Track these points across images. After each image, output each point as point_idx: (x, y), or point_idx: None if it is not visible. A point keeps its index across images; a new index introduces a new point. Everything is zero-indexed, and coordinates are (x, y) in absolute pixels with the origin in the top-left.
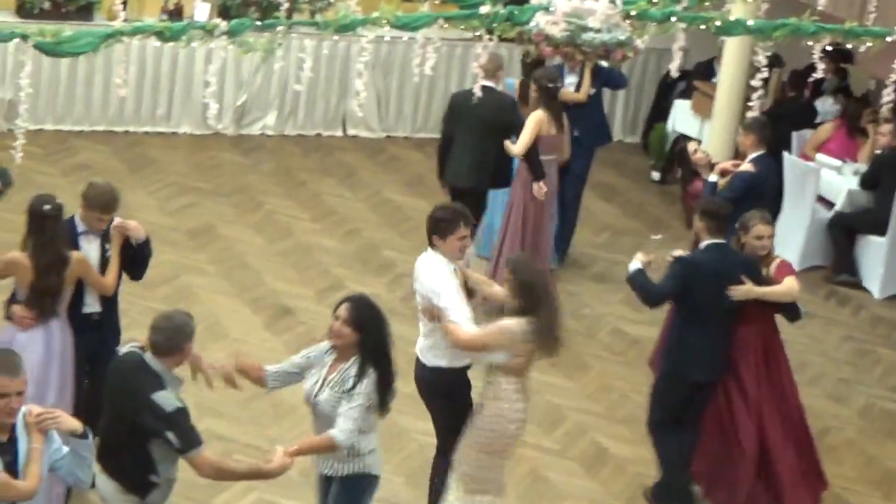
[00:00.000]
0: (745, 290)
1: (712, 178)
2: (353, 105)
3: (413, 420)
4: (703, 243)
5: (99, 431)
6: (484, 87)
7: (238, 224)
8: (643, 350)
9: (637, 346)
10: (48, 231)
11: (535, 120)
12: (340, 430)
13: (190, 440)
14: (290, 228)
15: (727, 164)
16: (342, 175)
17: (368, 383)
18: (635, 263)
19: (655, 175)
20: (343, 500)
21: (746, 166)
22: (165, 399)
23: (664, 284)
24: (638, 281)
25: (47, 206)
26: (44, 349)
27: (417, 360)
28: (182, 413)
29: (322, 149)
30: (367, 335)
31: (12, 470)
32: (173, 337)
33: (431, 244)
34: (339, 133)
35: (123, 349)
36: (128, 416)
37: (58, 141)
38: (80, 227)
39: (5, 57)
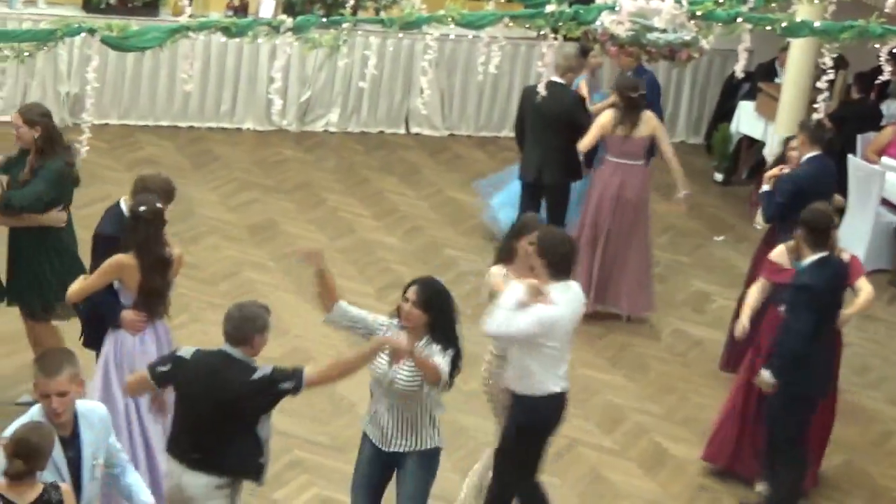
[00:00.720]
0: (849, 314)
1: (764, 187)
2: (416, 103)
3: (473, 418)
4: (808, 261)
5: (185, 432)
6: (550, 84)
7: (300, 220)
8: (704, 351)
9: (698, 347)
10: (141, 233)
11: (603, 122)
12: (443, 366)
13: (295, 376)
14: (352, 225)
15: (774, 171)
16: (404, 173)
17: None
18: None
19: (718, 176)
20: (423, 473)
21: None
22: (261, 373)
23: (804, 323)
24: (795, 350)
25: (142, 208)
26: (157, 351)
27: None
28: (275, 367)
29: (385, 146)
30: (437, 315)
31: (76, 465)
32: (241, 327)
33: None
34: (401, 131)
35: (188, 350)
36: (232, 410)
37: (122, 135)
38: None
39: (71, 51)
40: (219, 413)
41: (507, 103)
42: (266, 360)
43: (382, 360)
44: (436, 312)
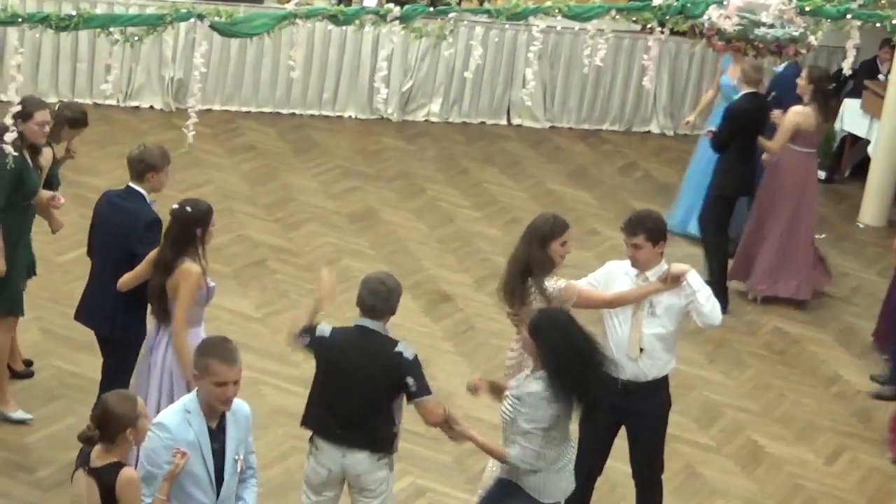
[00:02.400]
0: None
1: None
2: (518, 94)
3: None
4: None
5: (332, 410)
6: (752, 95)
7: (400, 209)
8: (803, 349)
9: (797, 345)
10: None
11: (797, 118)
12: (514, 452)
13: (424, 386)
14: (452, 216)
15: None
16: (505, 164)
17: (546, 403)
18: None
19: (821, 174)
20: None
21: None
22: (406, 348)
23: None
24: None
25: (189, 209)
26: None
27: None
28: (418, 362)
29: (486, 137)
30: (546, 349)
31: (220, 457)
32: (388, 299)
33: None
34: (503, 122)
35: (325, 328)
36: (377, 382)
37: (225, 121)
38: (150, 198)
39: (176, 37)
40: (367, 386)
41: (608, 96)
42: None
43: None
44: (545, 345)
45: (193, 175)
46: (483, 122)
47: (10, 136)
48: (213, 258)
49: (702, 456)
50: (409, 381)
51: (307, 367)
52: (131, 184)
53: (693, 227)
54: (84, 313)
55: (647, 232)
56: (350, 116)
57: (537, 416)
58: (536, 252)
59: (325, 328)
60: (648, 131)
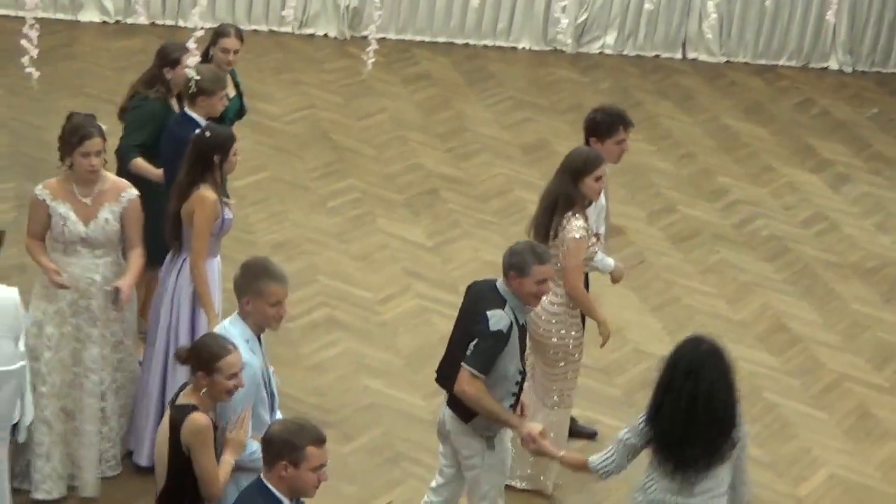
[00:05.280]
0: None
1: None
2: (694, 27)
3: (741, 348)
4: None
5: (444, 358)
6: None
7: (573, 141)
8: None
9: None
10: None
11: None
12: (597, 457)
13: (477, 359)
14: None
15: None
16: (679, 98)
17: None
18: None
19: None
20: None
21: None
22: (496, 317)
23: None
24: None
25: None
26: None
27: None
28: (497, 338)
29: (660, 70)
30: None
31: (268, 373)
32: (505, 259)
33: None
34: (678, 56)
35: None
36: (467, 336)
37: (400, 50)
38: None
39: None
40: (459, 337)
41: (786, 31)
42: None
43: None
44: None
45: (367, 103)
46: (657, 56)
47: (192, 60)
48: (386, 186)
49: (875, 397)
50: (470, 344)
51: None
52: (186, 109)
53: None
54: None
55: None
56: (524, 48)
57: (639, 430)
58: (568, 186)
59: (478, 280)
60: (826, 67)
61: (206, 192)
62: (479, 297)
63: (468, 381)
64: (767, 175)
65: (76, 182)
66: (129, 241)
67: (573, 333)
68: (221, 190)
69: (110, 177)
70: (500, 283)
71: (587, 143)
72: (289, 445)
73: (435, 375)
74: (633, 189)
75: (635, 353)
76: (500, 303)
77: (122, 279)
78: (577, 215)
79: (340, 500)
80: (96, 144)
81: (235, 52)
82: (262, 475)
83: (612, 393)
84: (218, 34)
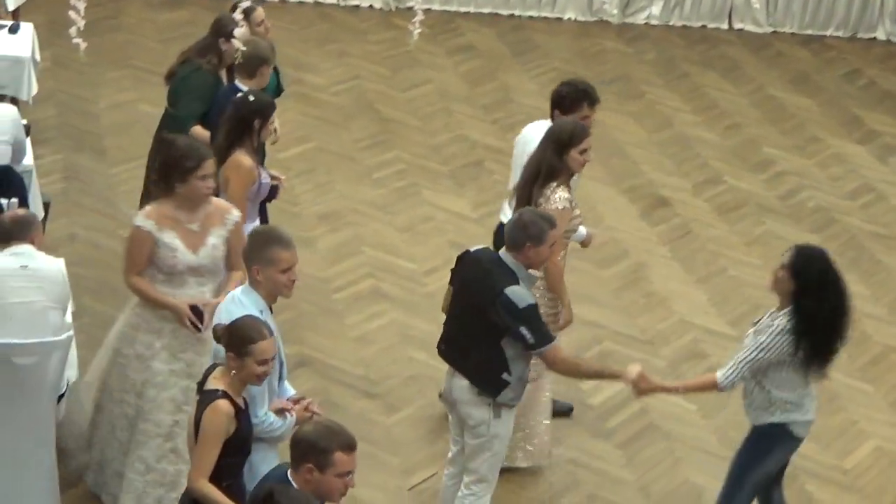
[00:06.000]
0: None
1: None
2: None
3: None
4: None
5: (449, 329)
6: None
7: (618, 112)
8: None
9: None
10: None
11: None
12: (722, 372)
13: (543, 336)
14: (670, 119)
15: None
16: (725, 69)
17: (783, 337)
18: None
19: None
20: (748, 446)
21: None
22: (518, 294)
23: None
24: None
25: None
26: None
27: None
28: (534, 309)
29: (706, 41)
30: (806, 290)
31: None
32: (513, 232)
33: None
34: (724, 26)
35: (475, 247)
36: (481, 313)
37: (444, 21)
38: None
39: None
40: (470, 312)
41: (833, 0)
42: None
43: None
44: (805, 287)
45: (412, 74)
46: (704, 26)
47: (239, 32)
48: (431, 157)
49: None
50: (523, 331)
51: None
52: (237, 82)
53: None
54: None
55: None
56: (569, 18)
57: (769, 344)
58: (552, 158)
59: (477, 247)
60: (874, 38)
61: (242, 158)
62: (486, 272)
63: (557, 359)
64: (814, 146)
65: (181, 208)
66: (231, 264)
67: (547, 302)
68: (258, 157)
69: (212, 198)
70: (506, 256)
71: (551, 115)
72: (316, 448)
73: (441, 347)
74: (679, 160)
75: (681, 325)
76: (513, 277)
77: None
78: (561, 187)
79: (384, 471)
80: (212, 165)
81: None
82: (288, 472)
83: (658, 364)
84: (246, 12)
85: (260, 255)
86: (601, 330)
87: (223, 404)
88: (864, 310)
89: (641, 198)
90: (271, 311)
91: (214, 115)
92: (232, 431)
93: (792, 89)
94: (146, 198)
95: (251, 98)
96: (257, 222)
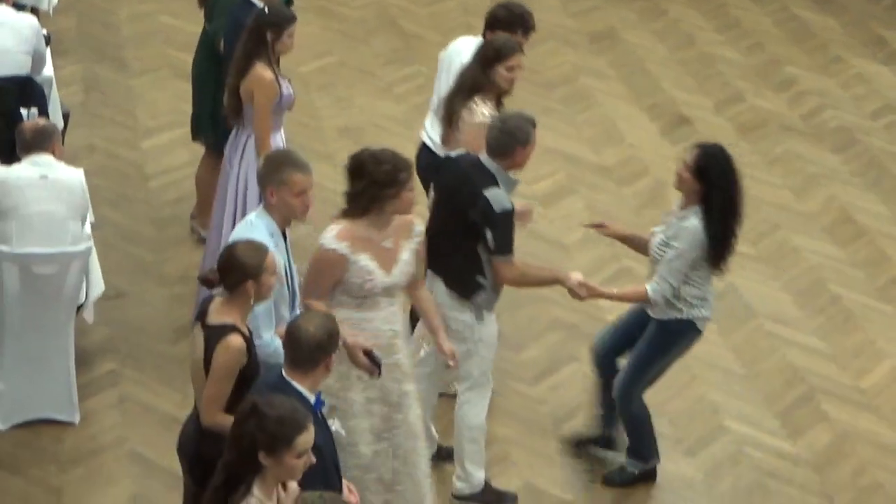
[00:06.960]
0: None
1: None
2: None
3: (806, 239)
4: None
5: (430, 231)
6: None
7: (640, 30)
8: None
9: None
10: None
11: None
12: (651, 286)
13: (504, 245)
14: (693, 37)
15: None
16: None
17: (698, 236)
18: None
19: None
20: (652, 341)
21: None
22: (497, 198)
23: None
24: None
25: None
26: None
27: None
28: (507, 216)
29: None
30: (712, 188)
31: (290, 269)
32: (500, 138)
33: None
34: None
35: (459, 151)
36: (462, 215)
37: None
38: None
39: None
40: (450, 216)
41: None
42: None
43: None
44: (711, 185)
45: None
46: None
47: None
48: None
49: None
50: (487, 233)
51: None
52: None
53: None
54: None
55: None
56: None
57: (686, 250)
58: (477, 72)
59: (460, 151)
60: None
61: (263, 72)
62: (465, 176)
63: (507, 269)
64: (836, 66)
65: (374, 225)
66: (416, 277)
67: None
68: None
69: None
70: (486, 159)
71: (484, 35)
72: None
73: None
74: (701, 78)
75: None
76: (493, 180)
77: (439, 336)
78: (485, 102)
79: None
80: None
81: None
82: (283, 370)
83: None
84: None
85: (274, 176)
86: (621, 248)
87: (236, 340)
88: (883, 230)
89: (662, 116)
90: (285, 237)
91: (229, 31)
92: (244, 363)
93: (816, 8)
94: (196, 120)
95: (267, 10)
96: (282, 132)
